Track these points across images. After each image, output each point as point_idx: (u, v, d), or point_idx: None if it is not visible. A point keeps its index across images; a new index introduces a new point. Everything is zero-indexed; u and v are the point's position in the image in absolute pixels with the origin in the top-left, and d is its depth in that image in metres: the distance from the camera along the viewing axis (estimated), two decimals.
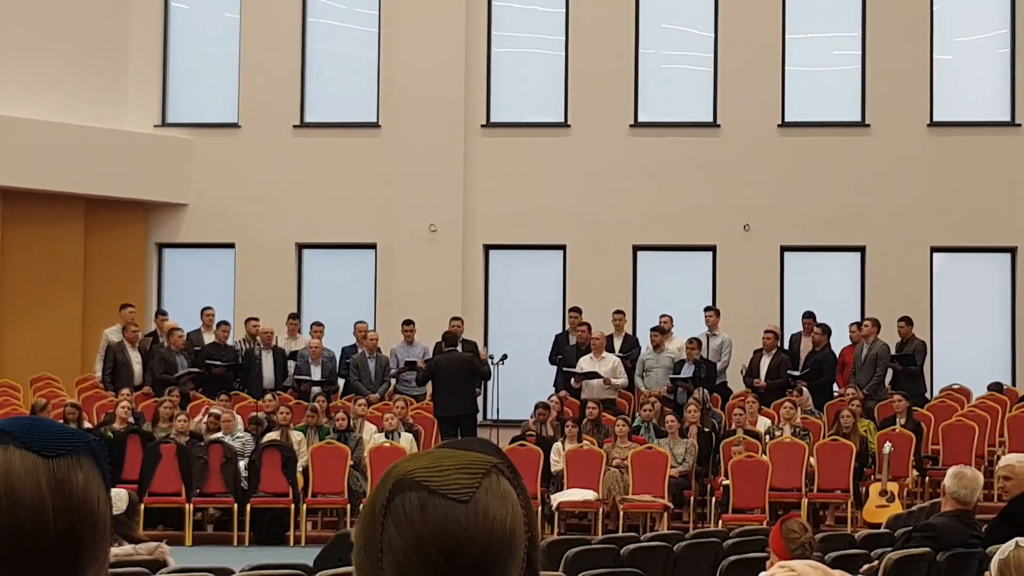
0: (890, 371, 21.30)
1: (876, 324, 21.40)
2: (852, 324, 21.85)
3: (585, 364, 21.16)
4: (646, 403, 19.97)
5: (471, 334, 22.38)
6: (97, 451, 1.77)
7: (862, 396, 20.32)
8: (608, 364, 21.02)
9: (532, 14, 24.24)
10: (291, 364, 21.80)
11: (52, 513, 1.70)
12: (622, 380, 21.13)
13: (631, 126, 23.90)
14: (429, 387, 21.90)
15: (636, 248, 23.84)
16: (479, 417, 21.43)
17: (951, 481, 9.30)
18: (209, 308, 22.39)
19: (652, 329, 21.58)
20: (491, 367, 21.19)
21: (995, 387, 22.15)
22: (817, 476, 18.51)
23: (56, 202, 23.44)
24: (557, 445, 18.93)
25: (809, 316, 21.87)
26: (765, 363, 21.39)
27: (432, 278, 23.50)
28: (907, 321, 21.61)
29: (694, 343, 21.08)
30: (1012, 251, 23.53)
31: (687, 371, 20.86)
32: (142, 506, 17.66)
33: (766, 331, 21.54)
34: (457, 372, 20.38)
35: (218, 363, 21.22)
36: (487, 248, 24.03)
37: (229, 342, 21.80)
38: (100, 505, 1.74)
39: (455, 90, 23.85)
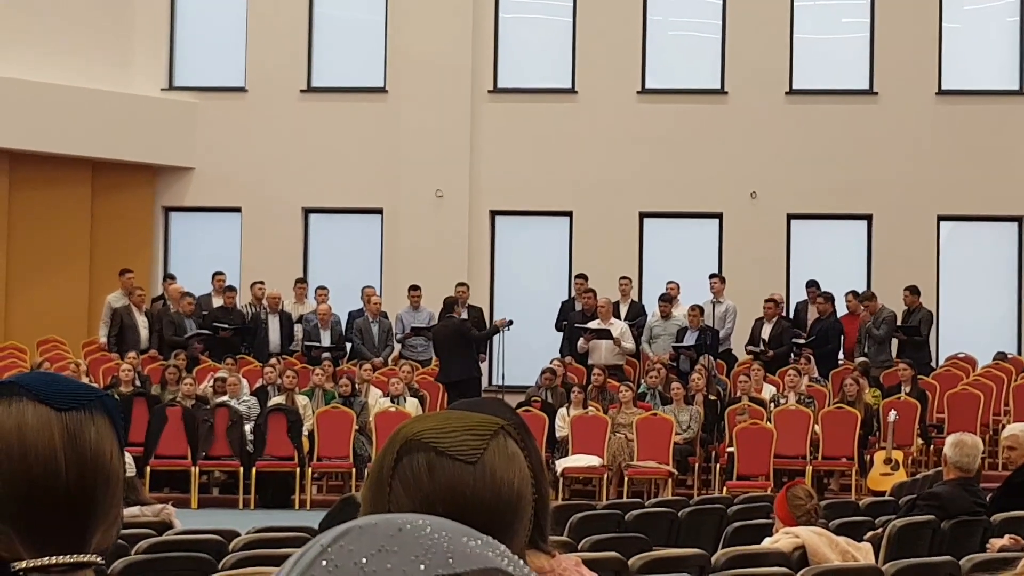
0: (895, 339, 21.31)
1: (874, 297, 21.38)
2: (848, 293, 21.83)
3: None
4: (651, 370, 19.95)
5: (477, 300, 22.42)
6: (110, 406, 1.77)
7: (867, 363, 20.35)
8: (616, 329, 21.00)
9: None
10: (298, 328, 21.79)
11: (64, 465, 1.71)
12: (630, 344, 21.11)
13: (638, 93, 23.84)
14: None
15: (642, 215, 23.81)
16: (484, 382, 21.46)
17: (951, 450, 9.34)
18: (220, 273, 22.38)
19: (660, 297, 21.56)
20: (500, 331, 21.07)
21: (1001, 356, 22.15)
22: (822, 444, 18.53)
23: (63, 165, 23.43)
24: (562, 411, 18.92)
25: (813, 285, 21.86)
26: (767, 331, 21.36)
27: (438, 244, 23.48)
28: (913, 290, 21.58)
29: (696, 310, 21.06)
30: (1019, 220, 23.49)
31: (690, 338, 20.85)
32: (148, 468, 17.78)
33: (767, 300, 21.52)
34: (450, 339, 20.45)
35: (226, 326, 21.23)
36: (493, 214, 24.00)
37: (235, 306, 21.81)
38: (112, 459, 1.75)
39: (462, 55, 23.79)
